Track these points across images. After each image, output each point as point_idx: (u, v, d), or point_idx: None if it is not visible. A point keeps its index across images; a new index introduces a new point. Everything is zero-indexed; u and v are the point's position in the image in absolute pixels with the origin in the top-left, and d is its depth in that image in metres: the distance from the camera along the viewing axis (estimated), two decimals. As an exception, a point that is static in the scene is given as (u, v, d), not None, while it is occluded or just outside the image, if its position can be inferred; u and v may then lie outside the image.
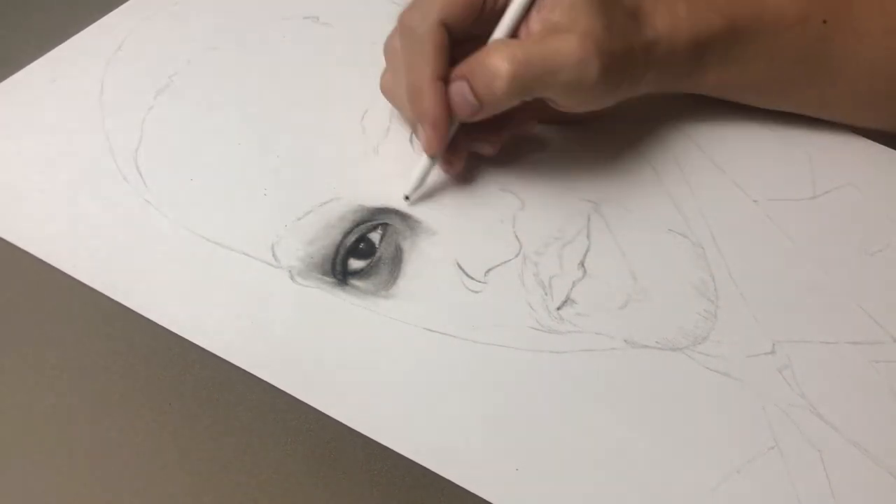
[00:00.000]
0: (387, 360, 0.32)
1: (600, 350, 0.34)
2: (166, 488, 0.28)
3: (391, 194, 0.38)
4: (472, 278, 0.36)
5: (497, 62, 0.33)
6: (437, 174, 0.38)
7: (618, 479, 0.31)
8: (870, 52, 0.40)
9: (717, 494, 0.31)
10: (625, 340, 0.35)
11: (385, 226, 0.37)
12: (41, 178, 0.36)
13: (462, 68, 0.34)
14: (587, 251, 0.38)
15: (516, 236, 0.38)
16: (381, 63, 0.45)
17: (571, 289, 0.36)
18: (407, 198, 0.37)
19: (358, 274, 0.35)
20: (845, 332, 0.37)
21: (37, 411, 0.29)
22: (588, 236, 0.38)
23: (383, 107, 0.41)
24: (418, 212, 0.38)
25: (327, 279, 0.35)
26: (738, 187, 0.41)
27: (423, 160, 0.37)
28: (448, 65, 0.35)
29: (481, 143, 0.38)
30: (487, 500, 0.29)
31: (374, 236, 0.36)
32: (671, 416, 0.33)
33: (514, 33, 0.35)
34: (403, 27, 0.35)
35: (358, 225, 0.37)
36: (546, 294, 0.36)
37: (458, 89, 0.34)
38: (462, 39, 0.36)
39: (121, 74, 0.41)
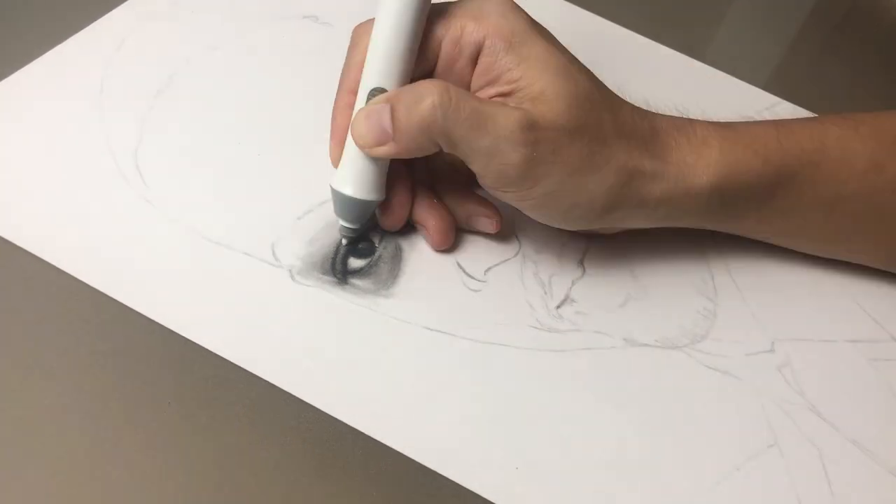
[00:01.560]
0: (387, 359, 0.32)
1: (600, 348, 0.34)
2: (165, 487, 0.28)
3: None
4: (471, 277, 0.36)
5: (428, 88, 0.30)
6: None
7: (618, 477, 0.31)
8: None
9: (716, 492, 0.31)
10: (624, 339, 0.35)
11: (385, 225, 0.37)
12: (41, 177, 0.36)
13: (390, 94, 0.31)
14: (586, 250, 0.38)
15: (515, 235, 0.38)
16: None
17: (571, 287, 0.36)
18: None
19: (358, 273, 0.35)
20: (844, 331, 0.37)
21: (36, 411, 0.29)
22: (587, 235, 0.38)
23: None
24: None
25: (327, 278, 0.35)
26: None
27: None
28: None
29: (431, 214, 0.35)
30: (487, 498, 0.29)
31: (374, 235, 0.36)
32: (671, 415, 0.33)
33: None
34: (352, 36, 0.34)
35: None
36: (545, 293, 0.36)
37: (377, 111, 0.31)
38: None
39: (120, 74, 0.41)
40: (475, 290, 0.35)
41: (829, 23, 0.58)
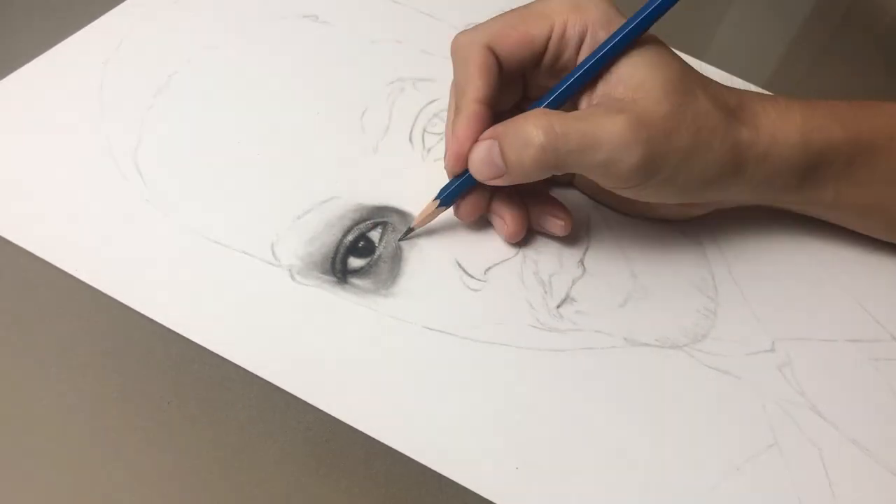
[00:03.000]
0: (387, 359, 0.32)
1: (600, 348, 0.34)
2: (165, 487, 0.28)
3: (390, 193, 0.38)
4: (471, 276, 0.36)
5: (531, 130, 0.31)
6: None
7: (618, 477, 0.31)
8: None
9: (717, 492, 0.31)
10: (624, 338, 0.35)
11: (384, 224, 0.37)
12: (41, 177, 0.36)
13: (496, 128, 0.33)
14: (587, 249, 0.38)
15: (516, 235, 0.38)
16: (380, 60, 0.45)
17: (571, 287, 0.36)
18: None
19: (358, 272, 0.35)
20: (845, 330, 0.37)
21: (36, 410, 0.29)
22: (588, 234, 0.38)
23: (382, 105, 0.41)
24: (418, 210, 0.38)
25: (327, 278, 0.35)
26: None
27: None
28: (494, 89, 0.33)
29: (511, 211, 0.36)
30: (487, 498, 0.29)
31: (374, 235, 0.36)
32: (671, 414, 0.33)
33: (569, 102, 0.34)
34: (453, 50, 0.34)
35: (357, 223, 0.37)
36: (546, 292, 0.36)
37: (487, 147, 0.32)
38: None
39: (120, 73, 0.41)
40: (475, 290, 0.35)
41: (829, 23, 0.58)
